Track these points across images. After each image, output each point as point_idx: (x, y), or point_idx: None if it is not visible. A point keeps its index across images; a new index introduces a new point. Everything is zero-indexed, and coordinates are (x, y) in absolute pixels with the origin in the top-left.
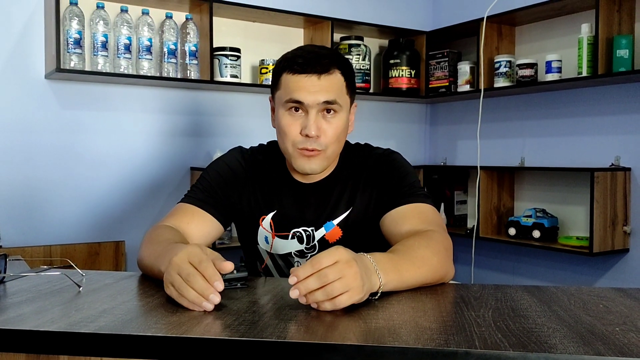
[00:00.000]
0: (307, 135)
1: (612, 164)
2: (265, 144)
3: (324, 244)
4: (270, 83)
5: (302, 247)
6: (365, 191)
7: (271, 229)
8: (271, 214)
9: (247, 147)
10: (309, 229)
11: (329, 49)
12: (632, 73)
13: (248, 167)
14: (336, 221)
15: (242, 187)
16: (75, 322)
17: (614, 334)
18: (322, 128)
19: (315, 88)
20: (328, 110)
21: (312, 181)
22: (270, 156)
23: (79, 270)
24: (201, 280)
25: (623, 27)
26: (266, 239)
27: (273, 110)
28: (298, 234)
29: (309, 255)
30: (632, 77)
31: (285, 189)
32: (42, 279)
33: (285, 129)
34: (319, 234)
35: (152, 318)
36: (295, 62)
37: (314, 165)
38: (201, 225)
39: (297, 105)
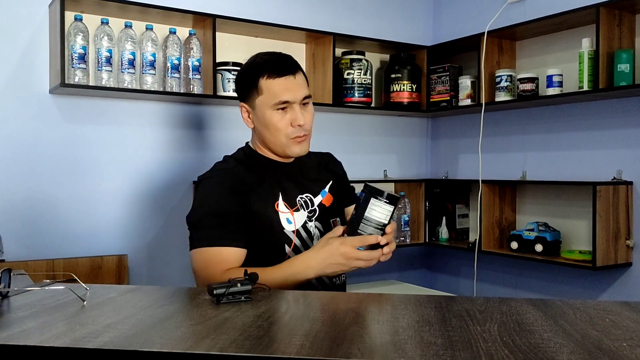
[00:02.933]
0: (298, 125)
1: (614, 178)
2: (229, 155)
3: (322, 208)
4: (239, 91)
5: (306, 212)
6: (329, 170)
7: (288, 209)
8: (280, 198)
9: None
10: (306, 196)
11: (281, 52)
12: (633, 87)
13: (240, 173)
14: (327, 189)
15: (248, 194)
16: (79, 338)
17: (621, 350)
18: (305, 117)
19: (295, 87)
20: (305, 103)
21: (290, 160)
22: (247, 156)
23: (83, 285)
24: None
25: (624, 41)
26: (288, 220)
27: (248, 113)
28: (302, 201)
29: (314, 218)
30: (633, 92)
31: (277, 173)
32: (46, 294)
33: (277, 125)
34: (317, 200)
35: (157, 333)
36: (270, 68)
37: (305, 147)
38: (241, 258)
39: (285, 105)
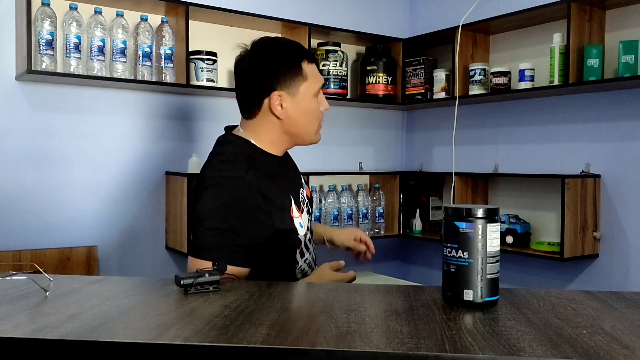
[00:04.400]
0: (324, 110)
1: (583, 171)
2: (231, 152)
3: (307, 200)
4: (273, 77)
5: (306, 210)
6: (289, 157)
7: (298, 212)
8: (293, 202)
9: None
10: (301, 192)
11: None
12: (601, 82)
13: (255, 184)
14: (302, 178)
15: (269, 212)
16: (40, 328)
17: (581, 337)
18: None
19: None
20: None
21: (282, 154)
22: (251, 155)
23: (47, 275)
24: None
25: (593, 37)
26: (300, 224)
27: (281, 102)
28: (301, 199)
29: (305, 209)
30: (602, 86)
31: (282, 171)
32: (7, 284)
33: (316, 111)
34: (304, 192)
35: (121, 323)
36: (307, 53)
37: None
38: (244, 275)
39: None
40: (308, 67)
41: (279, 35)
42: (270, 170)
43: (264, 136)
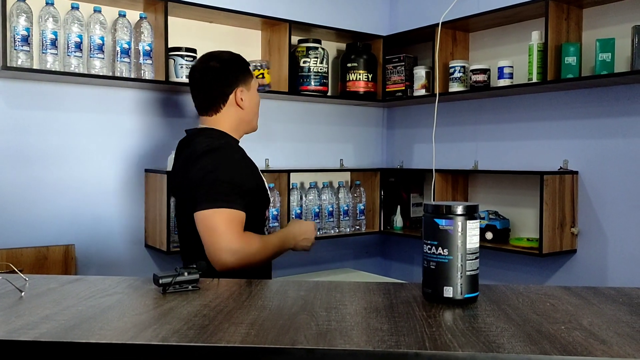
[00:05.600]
0: None
1: (561, 168)
2: (206, 135)
3: None
4: (236, 76)
5: None
6: None
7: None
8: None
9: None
10: None
11: None
12: (579, 80)
13: (238, 150)
14: None
15: (248, 165)
16: (14, 330)
17: (560, 333)
18: None
19: None
20: None
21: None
22: (225, 135)
23: (22, 275)
24: None
25: (571, 35)
26: (269, 185)
27: (242, 96)
28: None
29: None
30: (580, 84)
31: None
32: None
33: (259, 102)
34: None
35: (97, 324)
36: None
37: None
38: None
39: None
40: (250, 68)
41: (259, 31)
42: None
43: (227, 125)
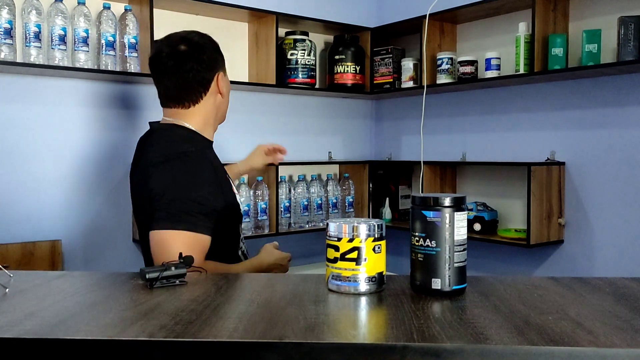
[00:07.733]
0: None
1: (548, 159)
2: (169, 136)
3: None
4: (215, 59)
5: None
6: None
7: (237, 191)
8: (231, 180)
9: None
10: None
11: None
12: (566, 71)
13: (204, 158)
14: None
15: (221, 184)
16: None
17: (547, 323)
18: None
19: None
20: None
21: (212, 138)
22: (192, 137)
23: (6, 271)
24: None
25: (558, 26)
26: (240, 201)
27: (221, 80)
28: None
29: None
30: (566, 75)
31: (215, 154)
32: None
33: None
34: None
35: (83, 320)
36: None
37: None
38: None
39: None
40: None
41: (246, 24)
42: (209, 150)
43: (202, 119)
